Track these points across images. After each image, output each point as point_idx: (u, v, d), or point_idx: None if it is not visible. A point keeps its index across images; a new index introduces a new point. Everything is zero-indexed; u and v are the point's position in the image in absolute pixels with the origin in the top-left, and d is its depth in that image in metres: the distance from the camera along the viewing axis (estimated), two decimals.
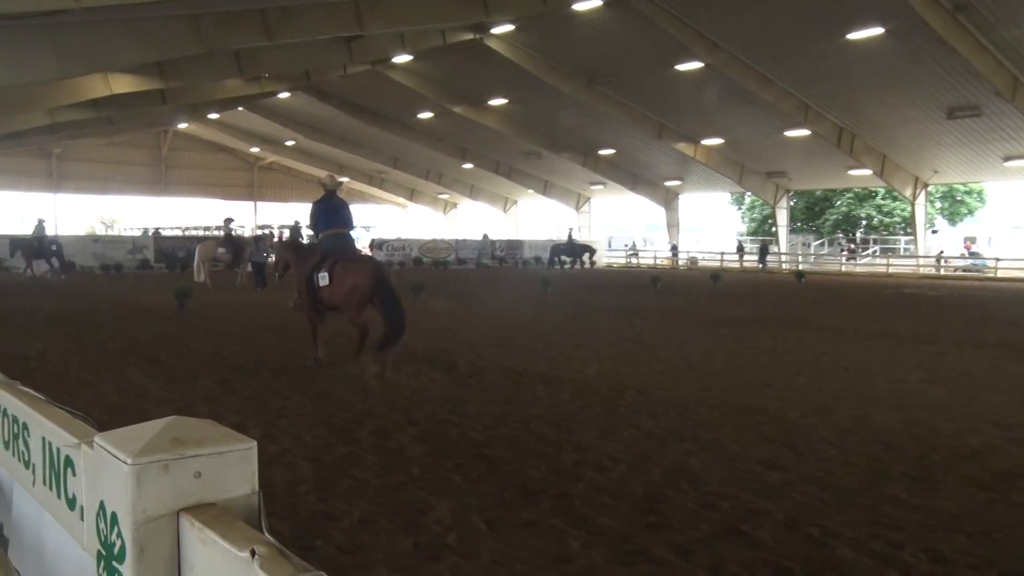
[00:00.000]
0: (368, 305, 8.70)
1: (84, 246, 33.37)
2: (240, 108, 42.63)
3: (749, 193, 49.75)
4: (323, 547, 3.84)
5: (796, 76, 29.59)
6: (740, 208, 59.79)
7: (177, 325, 13.20)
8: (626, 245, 53.27)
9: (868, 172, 36.98)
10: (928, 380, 8.64)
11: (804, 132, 33.81)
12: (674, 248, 48.77)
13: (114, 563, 0.96)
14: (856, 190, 49.92)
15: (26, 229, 28.72)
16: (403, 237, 47.73)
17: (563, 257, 39.89)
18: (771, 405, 7.20)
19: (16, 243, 27.11)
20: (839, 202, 53.51)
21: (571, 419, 6.62)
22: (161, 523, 0.92)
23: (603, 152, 43.92)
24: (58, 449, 1.29)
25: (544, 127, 41.50)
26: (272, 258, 18.96)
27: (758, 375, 8.85)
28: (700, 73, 29.83)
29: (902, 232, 50.22)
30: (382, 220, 65.52)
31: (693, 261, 48.04)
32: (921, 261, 39.78)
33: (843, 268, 43.33)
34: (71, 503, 1.24)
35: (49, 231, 27.61)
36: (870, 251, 48.87)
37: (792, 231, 48.71)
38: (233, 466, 0.95)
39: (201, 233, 46.12)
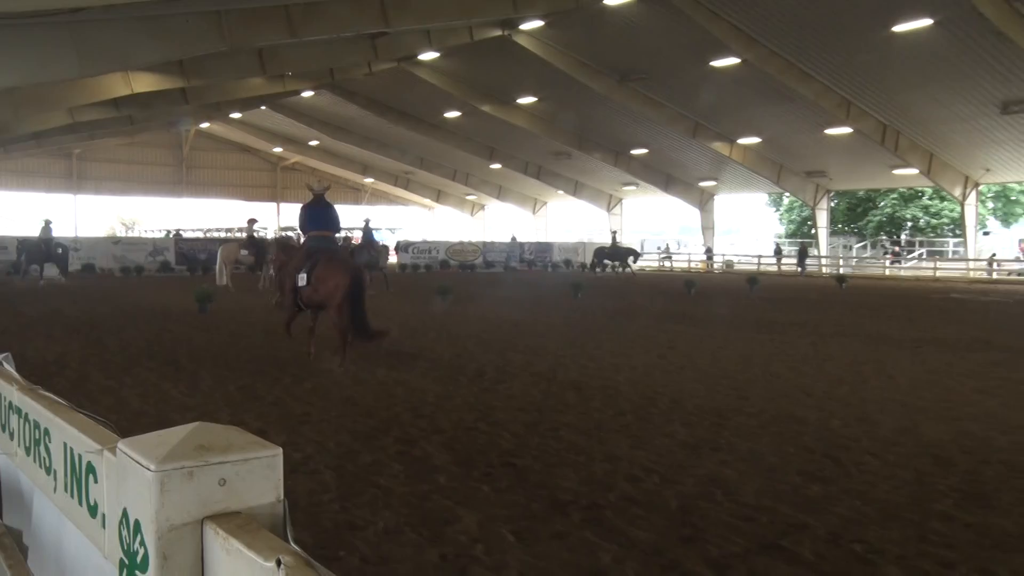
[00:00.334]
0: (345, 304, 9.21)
1: (104, 248, 33.89)
2: (263, 107, 43.07)
3: (787, 194, 49.31)
4: (347, 558, 3.85)
5: (838, 71, 29.26)
6: (778, 209, 59.29)
7: (198, 329, 13.34)
8: (659, 248, 53.10)
9: (914, 171, 36.46)
10: (979, 390, 8.49)
11: (846, 130, 33.43)
12: (709, 251, 48.48)
13: (137, 572, 0.97)
14: (901, 190, 49.28)
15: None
16: (429, 239, 47.92)
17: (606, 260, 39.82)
18: (811, 415, 7.12)
19: (23, 245, 26.83)
20: (883, 203, 52.85)
21: (602, 427, 6.60)
22: (185, 531, 0.93)
23: (635, 152, 43.78)
24: (80, 455, 1.31)
25: (574, 126, 41.45)
26: None
27: (797, 383, 8.76)
28: (736, 69, 29.62)
29: (951, 234, 49.45)
30: (408, 222, 65.82)
31: (729, 264, 47.73)
32: (971, 264, 39.15)
33: (887, 272, 42.80)
34: (93, 510, 1.25)
35: (56, 232, 27.46)
36: (916, 254, 48.16)
37: (833, 233, 48.18)
38: (258, 474, 0.96)
39: (223, 235, 46.61)
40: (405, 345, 11.57)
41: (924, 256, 47.35)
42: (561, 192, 54.61)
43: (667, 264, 49.53)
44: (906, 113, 31.92)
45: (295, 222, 11.51)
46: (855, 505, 4.68)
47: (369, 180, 63.27)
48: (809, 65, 29.13)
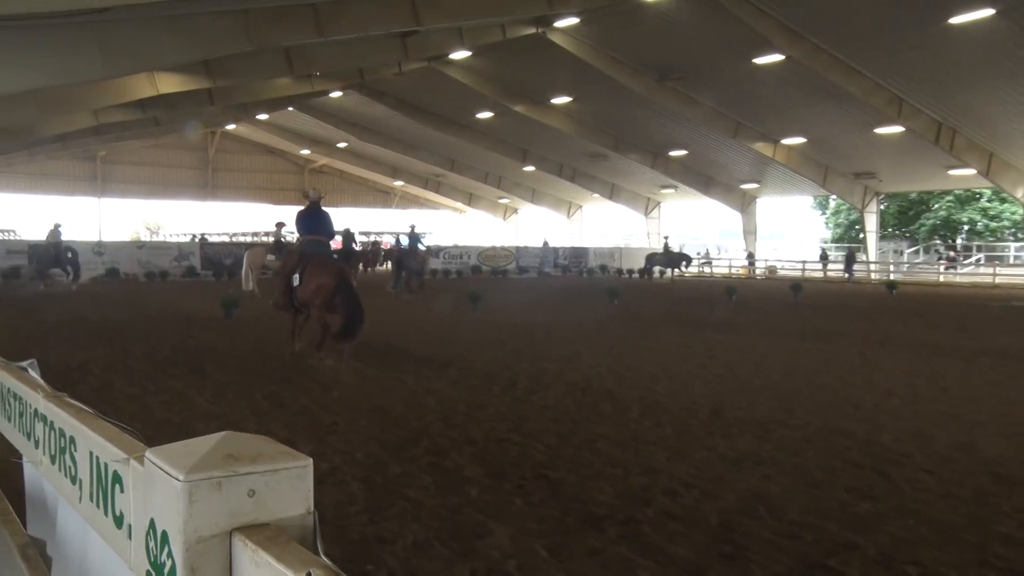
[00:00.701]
0: (332, 304, 10.06)
1: (128, 252, 34.39)
2: (290, 108, 43.52)
3: (834, 196, 48.79)
4: (375, 572, 3.87)
5: (889, 67, 28.84)
6: (824, 213, 58.73)
7: (224, 336, 13.50)
8: (699, 253, 52.82)
9: (971, 172, 35.83)
10: None
11: (897, 129, 32.96)
12: (751, 256, 48.14)
13: None
14: (957, 192, 48.48)
15: (68, 235, 29.19)
16: (460, 244, 48.07)
17: (658, 266, 39.68)
18: (860, 428, 7.02)
19: (34, 250, 26.81)
20: (937, 205, 52.07)
21: (639, 439, 6.57)
22: (213, 543, 0.94)
23: (674, 153, 43.59)
24: (106, 464, 1.32)
25: (611, 127, 41.38)
26: None
27: (845, 395, 8.65)
28: (780, 66, 29.37)
29: (1012, 238, 48.55)
30: (439, 226, 66.16)
31: (772, 270, 47.36)
32: None
33: (941, 278, 42.13)
34: (118, 520, 1.27)
35: (75, 236, 27.60)
36: (973, 259, 47.35)
37: (882, 237, 47.56)
38: (288, 484, 0.96)
39: (249, 239, 47.11)
40: (436, 353, 11.61)
41: (982, 261, 46.51)
42: (597, 195, 54.52)
43: (707, 270, 49.23)
44: (963, 110, 31.35)
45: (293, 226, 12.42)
46: (908, 525, 4.61)
47: (399, 183, 63.66)
48: (858, 61, 28.77)
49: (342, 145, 54.69)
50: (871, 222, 43.79)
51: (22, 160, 47.89)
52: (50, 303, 19.89)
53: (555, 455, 6.05)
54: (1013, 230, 48.39)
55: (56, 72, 19.84)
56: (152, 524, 1.03)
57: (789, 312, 20.43)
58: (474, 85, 36.35)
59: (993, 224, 50.55)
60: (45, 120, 30.38)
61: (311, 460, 0.98)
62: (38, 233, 30.76)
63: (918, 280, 41.58)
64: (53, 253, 25.79)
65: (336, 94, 39.81)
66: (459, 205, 67.95)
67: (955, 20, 24.54)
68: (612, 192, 53.37)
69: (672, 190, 50.04)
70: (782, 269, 47.58)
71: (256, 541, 0.90)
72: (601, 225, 63.95)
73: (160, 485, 0.98)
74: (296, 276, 10.33)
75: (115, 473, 1.27)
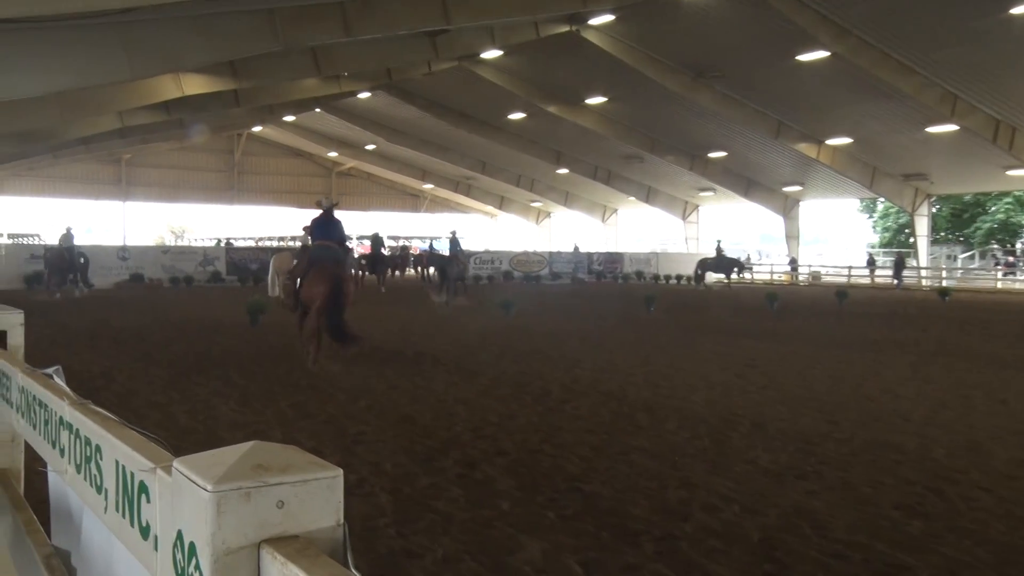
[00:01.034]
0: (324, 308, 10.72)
1: (153, 257, 34.88)
2: (317, 109, 43.85)
3: (882, 199, 48.21)
4: None
5: (942, 62, 28.36)
6: (871, 216, 58.11)
7: (249, 343, 13.64)
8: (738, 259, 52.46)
9: None
10: None
11: (951, 127, 32.44)
12: (793, 262, 47.76)
13: None
14: (1017, 193, 47.65)
15: (93, 240, 29.47)
16: (492, 249, 48.13)
17: (710, 273, 39.45)
18: (910, 442, 6.93)
19: (47, 258, 26.68)
20: (994, 207, 51.23)
21: (676, 451, 6.54)
22: (242, 555, 0.95)
23: (713, 155, 43.34)
24: (132, 474, 1.34)
25: (647, 127, 41.23)
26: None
27: (894, 407, 8.55)
28: (825, 63, 29.09)
29: None
30: (469, 230, 66.34)
31: (815, 276, 46.95)
32: None
33: (999, 285, 41.46)
34: (145, 531, 1.28)
35: (94, 240, 27.36)
36: None
37: (934, 242, 46.88)
38: (318, 496, 0.97)
39: (276, 244, 47.52)
40: (466, 361, 11.65)
41: None
42: (632, 198, 54.33)
43: (747, 276, 48.93)
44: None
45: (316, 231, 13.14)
46: (965, 546, 4.53)
47: (428, 186, 63.91)
48: (908, 56, 28.34)
49: (370, 147, 55.00)
50: (922, 226, 43.18)
51: (46, 163, 48.65)
52: (74, 309, 20.21)
53: (589, 467, 6.04)
54: None
55: (80, 74, 20.15)
56: (179, 535, 1.04)
57: (834, 320, 20.23)
58: (506, 85, 36.41)
59: None
60: (69, 123, 30.85)
61: (341, 471, 0.99)
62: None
63: (973, 287, 40.97)
64: (68, 259, 25.68)
65: (364, 95, 40.06)
66: (490, 209, 68.05)
67: (1016, 10, 23.97)
68: (648, 195, 53.17)
69: (711, 193, 49.75)
70: (826, 275, 47.15)
71: (285, 553, 0.91)
72: (637, 229, 63.80)
73: (188, 495, 0.99)
74: (299, 280, 11.23)
75: (141, 483, 1.28)
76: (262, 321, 16.21)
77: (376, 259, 32.07)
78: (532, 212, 66.49)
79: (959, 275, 45.92)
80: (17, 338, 3.01)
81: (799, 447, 6.72)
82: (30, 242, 40.62)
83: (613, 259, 47.30)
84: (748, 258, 51.98)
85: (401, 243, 52.09)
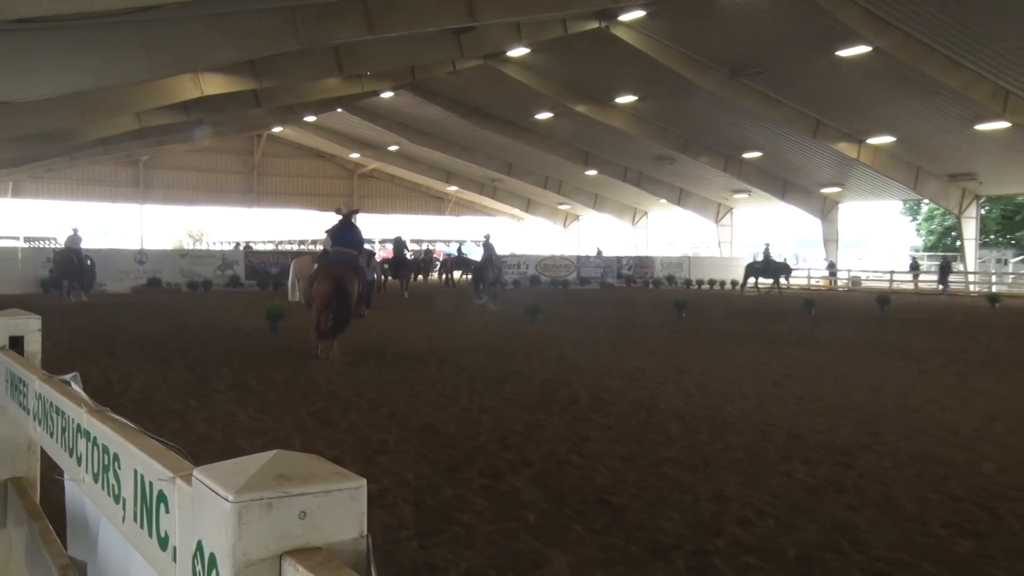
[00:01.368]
0: (328, 307, 11.96)
1: (171, 261, 35.20)
2: (339, 110, 44.16)
3: (927, 200, 47.70)
4: None
5: (993, 56, 27.87)
6: (915, 219, 57.53)
7: (269, 349, 13.73)
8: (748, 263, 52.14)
9: None
10: None
11: (1002, 124, 31.99)
12: (832, 266, 47.40)
13: None
14: None
15: (110, 243, 29.43)
16: (518, 253, 48.16)
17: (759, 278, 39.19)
18: (958, 456, 6.85)
19: (57, 258, 26.26)
20: None
21: (709, 463, 6.51)
22: (263, 567, 0.95)
23: (748, 155, 43.14)
24: (151, 483, 1.35)
25: (679, 127, 41.13)
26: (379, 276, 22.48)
27: (940, 419, 8.45)
28: (867, 59, 28.85)
29: None
30: (495, 234, 66.38)
31: (855, 281, 46.56)
32: None
33: None
34: (163, 542, 1.29)
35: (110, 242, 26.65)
36: None
37: (983, 245, 46.35)
38: (341, 507, 0.97)
39: (296, 247, 47.81)
40: (491, 368, 11.66)
41: None
42: (663, 201, 54.19)
43: (783, 281, 48.58)
44: None
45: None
46: (1020, 568, 4.46)
47: (453, 188, 64.11)
48: (956, 51, 27.94)
49: (393, 148, 55.27)
50: (970, 228, 42.64)
51: (63, 165, 49.37)
52: (91, 314, 20.44)
53: (618, 479, 6.03)
54: None
55: (99, 74, 20.40)
56: (199, 546, 1.05)
57: (875, 327, 20.05)
58: (533, 84, 36.46)
59: None
60: (87, 124, 31.25)
61: (364, 481, 0.99)
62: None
63: None
64: (76, 262, 25.31)
65: (387, 95, 40.27)
66: (516, 212, 68.14)
67: None
68: (680, 197, 53.00)
69: (745, 195, 49.51)
70: (867, 280, 46.74)
71: (307, 566, 0.91)
72: (668, 233, 63.57)
73: (208, 505, 1.00)
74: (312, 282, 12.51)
75: (160, 492, 1.29)
76: (282, 327, 16.31)
77: (399, 263, 32.19)
78: (559, 215, 66.48)
79: (1010, 280, 45.30)
80: (34, 344, 3.04)
81: (838, 460, 6.66)
82: (47, 245, 41.12)
83: (643, 263, 47.17)
84: (784, 262, 51.66)
85: (425, 247, 52.25)
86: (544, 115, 42.08)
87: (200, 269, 34.77)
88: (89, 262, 26.37)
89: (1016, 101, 30.16)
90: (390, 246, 36.66)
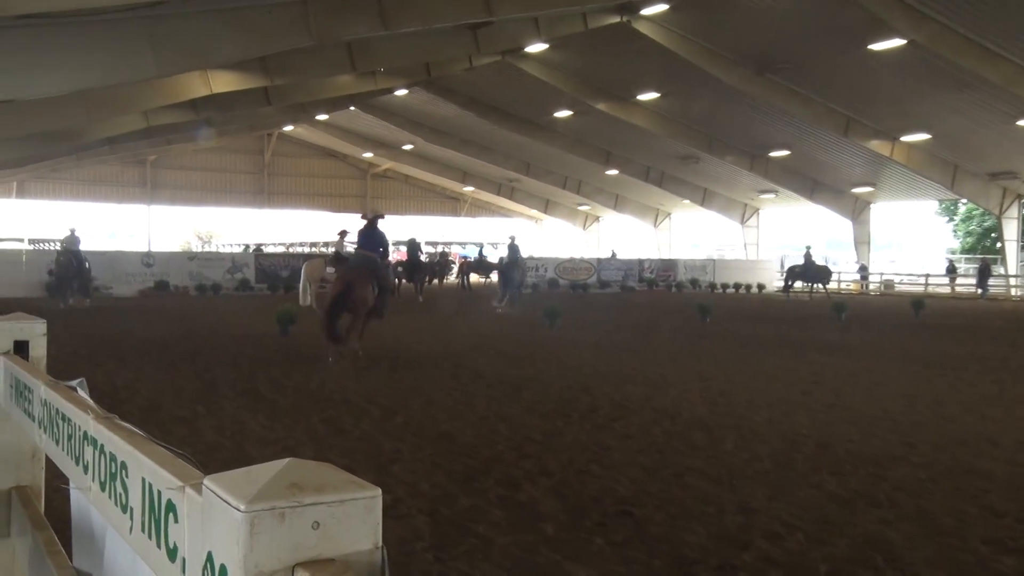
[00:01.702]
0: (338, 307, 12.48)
1: (179, 264, 35.39)
2: (351, 108, 44.27)
3: (964, 200, 47.36)
4: None
5: None
6: (952, 219, 57.14)
7: (279, 354, 13.79)
8: (788, 266, 51.92)
9: None
10: None
11: None
12: (863, 269, 47.14)
13: None
14: None
15: (117, 245, 29.39)
16: (536, 255, 48.16)
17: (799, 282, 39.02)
18: (999, 469, 6.78)
19: (60, 260, 25.81)
20: None
21: (735, 474, 6.49)
22: None
23: (775, 154, 42.96)
24: (159, 492, 1.36)
25: (703, 125, 41.01)
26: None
27: (979, 429, 8.38)
28: (901, 52, 28.63)
29: None
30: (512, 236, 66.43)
31: (888, 285, 46.29)
32: None
33: None
34: (172, 553, 1.29)
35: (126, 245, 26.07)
36: None
37: None
38: (355, 517, 0.97)
39: (307, 250, 47.97)
40: (509, 375, 11.66)
41: None
42: (687, 201, 54.06)
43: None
44: None
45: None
46: None
47: (469, 189, 64.19)
48: (997, 42, 27.54)
49: (407, 147, 55.38)
50: (1011, 229, 42.24)
51: (69, 165, 49.67)
52: (97, 318, 20.59)
53: (640, 490, 6.01)
54: None
55: (105, 71, 20.52)
56: (210, 557, 1.05)
57: (909, 333, 19.91)
58: (552, 81, 36.44)
59: None
60: (93, 123, 31.47)
61: (380, 491, 0.99)
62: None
63: None
64: (75, 264, 25.12)
65: (401, 92, 40.34)
66: (534, 213, 68.13)
67: None
68: (704, 198, 52.85)
69: (772, 195, 49.32)
70: (900, 284, 46.49)
71: None
72: (692, 234, 63.44)
73: (219, 515, 1.00)
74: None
75: (169, 502, 1.30)
76: (293, 331, 16.38)
77: (413, 266, 32.24)
78: (579, 216, 66.42)
79: None
80: (39, 349, 3.06)
81: (870, 471, 6.62)
82: (52, 247, 41.43)
83: (666, 266, 47.07)
84: (825, 265, 51.49)
85: (440, 249, 52.31)
86: (563, 113, 42.05)
87: (209, 272, 34.93)
88: (87, 264, 26.20)
89: None
90: (404, 248, 36.72)
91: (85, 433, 1.92)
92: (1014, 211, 41.99)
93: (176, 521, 1.27)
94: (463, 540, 4.91)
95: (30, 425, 2.56)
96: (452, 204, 68.44)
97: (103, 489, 1.76)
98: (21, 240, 49.31)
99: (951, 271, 45.94)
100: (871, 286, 46.61)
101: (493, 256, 46.19)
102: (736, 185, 49.90)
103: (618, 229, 65.11)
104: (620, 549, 4.80)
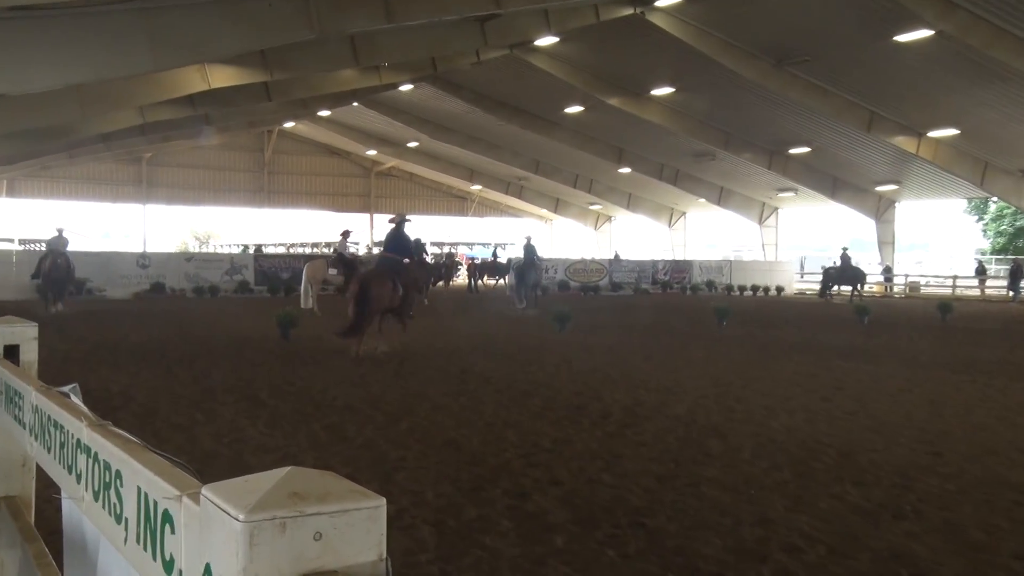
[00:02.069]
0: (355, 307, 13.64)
1: (176, 265, 35.46)
2: (355, 104, 44.31)
3: (995, 199, 47.17)
4: None
5: None
6: (981, 218, 56.95)
7: (280, 358, 13.80)
8: (823, 267, 51.79)
9: None
10: None
11: None
12: (887, 271, 47.01)
13: None
14: None
15: (111, 245, 29.30)
16: (546, 256, 48.14)
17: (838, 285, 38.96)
18: None
19: (48, 263, 24.93)
20: None
21: (752, 484, 6.48)
22: None
23: (794, 151, 42.88)
24: (155, 502, 1.36)
25: (720, 121, 40.94)
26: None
27: (1010, 438, 8.35)
28: (928, 44, 28.48)
29: None
30: (521, 236, 66.44)
31: (913, 287, 46.16)
32: None
33: None
34: (168, 565, 1.29)
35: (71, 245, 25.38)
36: None
37: None
38: (358, 527, 0.97)
39: (309, 251, 48.03)
40: (517, 380, 11.66)
41: None
42: (703, 200, 53.96)
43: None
44: None
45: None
46: None
47: (476, 187, 64.19)
48: None
49: (413, 145, 55.39)
50: None
51: (61, 163, 49.74)
52: (90, 321, 20.65)
53: (654, 500, 6.01)
54: None
55: (100, 66, 20.56)
56: (207, 569, 1.05)
57: (936, 337, 19.85)
58: (562, 75, 36.41)
59: None
60: (87, 119, 31.51)
61: (384, 500, 0.99)
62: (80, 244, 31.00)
63: None
64: (64, 265, 24.60)
65: (406, 87, 40.36)
66: (544, 212, 68.09)
67: None
68: (721, 197, 52.75)
69: (791, 193, 49.20)
70: (926, 286, 46.36)
71: None
72: (708, 234, 63.38)
73: (217, 526, 1.00)
74: None
75: (165, 512, 1.30)
76: (294, 335, 16.40)
77: (418, 267, 32.28)
78: (590, 216, 66.38)
79: None
80: (30, 353, 3.07)
81: (895, 482, 6.60)
82: (43, 248, 41.54)
83: (680, 268, 47.02)
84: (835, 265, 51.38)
85: (447, 250, 52.32)
86: (574, 109, 42.02)
87: (207, 273, 34.99)
88: (72, 268, 25.42)
89: None
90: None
91: (78, 441, 1.92)
92: None
93: (173, 532, 1.27)
94: (470, 552, 4.91)
95: (20, 432, 2.56)
96: (459, 203, 68.44)
97: (97, 499, 1.76)
98: (12, 241, 49.49)
99: (980, 272, 45.75)
100: (896, 288, 46.47)
101: (502, 257, 46.31)
102: (754, 183, 49.80)
103: (631, 229, 65.13)
104: (633, 562, 4.80)
